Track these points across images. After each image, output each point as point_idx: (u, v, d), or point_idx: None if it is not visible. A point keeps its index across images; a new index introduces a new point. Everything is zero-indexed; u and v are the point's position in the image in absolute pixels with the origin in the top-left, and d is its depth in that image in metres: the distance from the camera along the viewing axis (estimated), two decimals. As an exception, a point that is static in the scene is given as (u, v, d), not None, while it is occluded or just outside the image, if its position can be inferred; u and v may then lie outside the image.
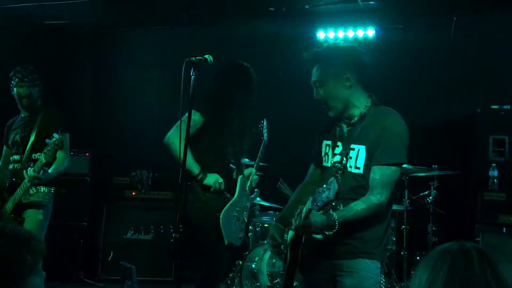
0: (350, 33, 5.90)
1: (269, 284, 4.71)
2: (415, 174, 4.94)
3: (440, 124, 5.62)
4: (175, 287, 2.66)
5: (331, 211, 2.23)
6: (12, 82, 3.73)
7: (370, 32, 5.85)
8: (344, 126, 2.45)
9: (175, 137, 3.33)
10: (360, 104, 2.41)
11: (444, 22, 5.49)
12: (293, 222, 2.27)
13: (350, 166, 2.35)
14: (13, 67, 3.80)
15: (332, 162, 2.41)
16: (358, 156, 2.33)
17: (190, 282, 4.98)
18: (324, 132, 2.55)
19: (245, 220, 3.76)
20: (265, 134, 3.99)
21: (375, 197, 2.27)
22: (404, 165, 4.67)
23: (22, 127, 3.77)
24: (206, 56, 2.65)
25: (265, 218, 5.19)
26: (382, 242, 2.41)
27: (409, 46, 5.73)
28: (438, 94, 5.75)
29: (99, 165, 6.00)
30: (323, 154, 2.53)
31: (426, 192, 4.91)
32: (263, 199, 5.16)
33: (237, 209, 3.69)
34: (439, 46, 5.64)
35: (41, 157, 3.40)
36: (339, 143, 2.43)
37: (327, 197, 2.08)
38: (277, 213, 5.10)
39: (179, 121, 3.27)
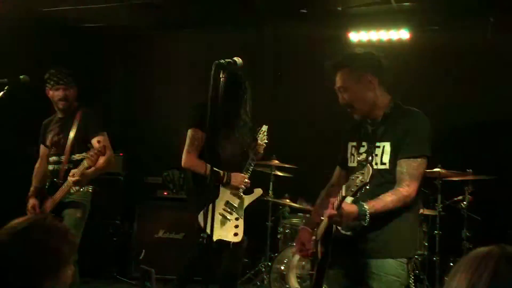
0: (384, 35, 5.83)
1: (298, 286, 4.70)
2: (449, 179, 4.85)
3: (475, 128, 5.48)
4: (204, 286, 2.67)
5: (361, 202, 2.28)
6: (47, 85, 3.80)
7: (404, 34, 5.76)
8: (368, 127, 2.54)
9: (190, 160, 3.65)
10: (383, 105, 2.51)
11: (481, 23, 5.37)
12: (324, 212, 2.34)
13: (376, 163, 2.44)
14: (48, 69, 3.89)
15: (358, 160, 2.49)
16: (383, 153, 2.43)
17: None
18: (349, 134, 2.65)
19: (238, 218, 3.72)
20: (259, 139, 3.95)
21: (403, 189, 2.34)
22: (437, 169, 4.67)
23: (60, 128, 3.84)
24: (235, 58, 2.67)
25: (294, 220, 5.18)
26: (409, 240, 2.48)
27: (444, 48, 5.62)
28: (474, 96, 5.61)
29: (132, 165, 6.11)
30: (348, 155, 2.61)
31: (460, 197, 4.81)
32: (293, 201, 5.16)
33: (223, 207, 3.70)
34: (476, 48, 5.51)
35: (84, 161, 3.48)
36: (364, 143, 2.52)
37: (362, 181, 2.12)
38: (307, 215, 5.09)
39: (186, 146, 3.65)
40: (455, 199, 4.84)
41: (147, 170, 6.05)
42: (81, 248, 3.75)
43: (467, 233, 4.74)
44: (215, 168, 3.43)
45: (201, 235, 2.46)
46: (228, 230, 3.67)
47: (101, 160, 3.55)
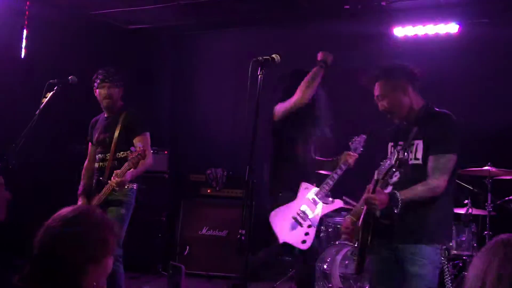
0: (430, 29, 5.66)
1: (341, 285, 4.65)
2: (500, 177, 4.66)
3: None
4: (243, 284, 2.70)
5: (394, 191, 2.58)
6: (95, 83, 3.93)
7: (453, 27, 5.57)
8: (404, 127, 2.84)
9: None
10: (417, 108, 2.82)
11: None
12: (362, 198, 2.65)
13: (411, 159, 2.72)
14: (98, 68, 4.01)
15: (396, 157, 2.67)
16: (416, 150, 2.71)
17: (261, 279, 5.05)
18: (388, 135, 2.97)
19: (311, 226, 3.67)
20: (352, 148, 3.86)
21: (432, 181, 2.61)
22: (487, 167, 4.49)
23: (105, 126, 3.94)
24: (274, 55, 2.66)
25: (337, 219, 5.12)
26: (442, 226, 2.74)
27: (495, 42, 5.39)
28: (526, 92, 5.37)
29: (176, 163, 6.22)
30: (388, 154, 2.82)
31: (512, 197, 4.61)
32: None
33: (298, 212, 3.67)
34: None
35: (126, 164, 3.55)
36: (400, 142, 2.81)
37: (389, 164, 2.46)
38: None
39: None
40: (507, 198, 4.64)
41: (191, 167, 6.14)
42: (127, 244, 3.90)
43: (520, 234, 4.53)
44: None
45: (240, 231, 2.46)
46: (298, 235, 3.62)
47: (144, 160, 3.63)
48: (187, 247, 5.74)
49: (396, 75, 2.82)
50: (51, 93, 3.62)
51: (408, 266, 2.66)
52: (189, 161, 6.42)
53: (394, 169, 2.50)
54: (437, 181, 2.61)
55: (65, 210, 1.64)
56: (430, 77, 5.55)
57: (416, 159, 2.71)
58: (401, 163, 2.61)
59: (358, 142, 3.88)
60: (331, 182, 3.73)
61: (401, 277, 2.72)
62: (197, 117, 6.76)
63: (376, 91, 2.85)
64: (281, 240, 3.56)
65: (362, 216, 2.71)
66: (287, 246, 3.59)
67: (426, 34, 5.71)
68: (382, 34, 5.82)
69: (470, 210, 4.60)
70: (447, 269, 2.84)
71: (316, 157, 3.96)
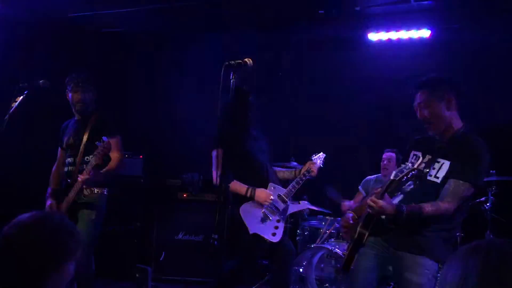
0: (404, 34, 5.76)
1: (317, 288, 4.67)
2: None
3: (498, 128, 5.34)
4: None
5: (401, 204, 2.57)
6: (67, 87, 3.89)
7: (425, 33, 5.69)
8: (436, 143, 2.78)
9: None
10: (456, 127, 2.76)
11: (503, 21, 5.25)
12: (369, 200, 2.59)
13: (430, 175, 2.68)
14: (71, 72, 3.96)
15: (415, 168, 2.68)
16: (440, 169, 2.66)
17: (242, 283, 5.04)
18: (415, 144, 2.90)
19: (280, 221, 3.77)
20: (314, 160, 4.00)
21: (443, 203, 2.57)
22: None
23: (75, 130, 3.91)
24: (246, 59, 2.66)
25: (313, 222, 5.15)
26: (446, 249, 2.69)
27: (466, 47, 5.52)
28: (496, 96, 5.50)
29: (152, 168, 6.16)
30: (409, 162, 2.79)
31: (483, 199, 4.70)
32: (312, 203, 5.12)
33: (267, 207, 3.75)
34: (497, 46, 5.40)
35: (92, 159, 3.54)
36: (427, 156, 2.76)
37: (410, 167, 2.45)
38: (326, 217, 5.05)
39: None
40: (477, 200, 4.73)
41: (167, 172, 6.09)
42: (102, 250, 3.84)
43: (491, 235, 4.62)
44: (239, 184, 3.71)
45: (212, 236, 2.45)
46: (267, 228, 3.72)
47: (112, 162, 3.59)
48: (163, 252, 5.69)
49: (445, 87, 2.75)
50: (21, 97, 3.56)
51: (409, 275, 2.62)
52: (164, 166, 6.37)
53: (413, 172, 2.48)
54: (447, 205, 2.57)
55: (22, 216, 1.60)
56: (402, 80, 5.71)
57: (436, 177, 2.66)
58: (419, 174, 2.62)
59: (319, 157, 4.03)
60: (296, 186, 3.84)
61: (381, 279, 2.75)
62: (173, 121, 6.72)
63: (419, 98, 2.76)
64: (251, 231, 3.63)
65: (364, 214, 2.69)
66: (258, 239, 3.65)
67: (399, 39, 5.81)
68: (357, 39, 5.89)
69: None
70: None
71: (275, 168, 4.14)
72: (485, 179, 4.64)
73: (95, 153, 3.49)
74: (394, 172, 2.54)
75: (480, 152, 2.67)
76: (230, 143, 3.66)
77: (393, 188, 2.64)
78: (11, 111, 3.51)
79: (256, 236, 3.63)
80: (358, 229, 2.70)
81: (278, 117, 6.08)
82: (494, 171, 4.61)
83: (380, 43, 5.90)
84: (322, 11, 5.44)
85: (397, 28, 5.74)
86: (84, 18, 5.82)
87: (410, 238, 2.63)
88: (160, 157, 6.47)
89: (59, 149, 4.07)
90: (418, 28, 5.68)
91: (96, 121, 3.84)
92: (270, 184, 3.84)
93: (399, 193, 2.78)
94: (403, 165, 2.54)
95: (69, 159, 3.88)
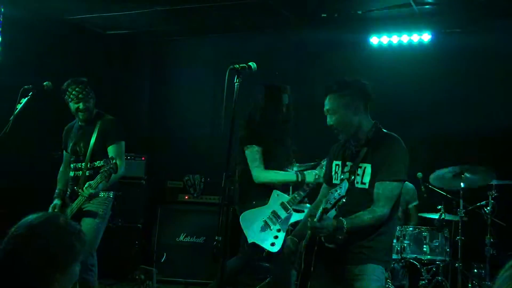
0: (405, 38, 5.79)
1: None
2: (472, 184, 4.76)
3: (499, 131, 5.37)
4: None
5: (340, 218, 2.50)
6: (66, 97, 3.88)
7: (426, 37, 5.72)
8: (353, 148, 2.75)
9: (263, 174, 3.72)
10: (367, 129, 2.73)
11: (504, 25, 5.28)
12: (308, 222, 2.54)
13: (357, 182, 2.66)
14: (75, 73, 3.96)
15: (341, 178, 2.71)
16: (364, 174, 2.65)
17: (238, 285, 5.05)
18: (334, 153, 2.88)
19: (280, 230, 3.72)
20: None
21: (379, 209, 2.57)
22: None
23: (80, 136, 3.91)
24: (250, 63, 2.68)
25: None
26: (388, 251, 2.76)
27: (466, 51, 5.54)
28: (497, 99, 5.53)
29: (154, 169, 6.19)
30: (333, 173, 2.82)
31: (483, 202, 4.71)
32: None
33: (268, 216, 3.73)
34: (498, 50, 5.42)
35: (98, 176, 3.57)
36: (348, 163, 2.74)
37: (339, 194, 2.38)
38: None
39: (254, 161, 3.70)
40: (478, 204, 4.75)
41: (169, 174, 6.12)
42: (104, 251, 3.86)
43: (491, 239, 4.64)
44: (284, 173, 3.76)
45: (215, 238, 2.47)
46: (267, 237, 3.67)
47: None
48: (164, 254, 5.71)
49: (351, 92, 2.70)
50: (26, 98, 3.58)
51: (355, 284, 2.60)
52: (166, 168, 6.39)
53: (344, 200, 2.40)
54: (382, 210, 2.57)
55: (30, 217, 1.62)
56: (403, 84, 5.73)
57: (362, 183, 2.64)
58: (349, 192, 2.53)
59: (322, 167, 3.90)
60: (302, 193, 3.80)
61: None
62: (175, 123, 6.75)
63: (327, 104, 2.73)
64: (249, 240, 3.63)
65: (306, 241, 2.63)
66: (257, 247, 3.64)
67: (400, 43, 5.83)
68: (358, 43, 5.92)
69: (443, 216, 4.69)
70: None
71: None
72: (486, 183, 4.69)
73: (102, 170, 3.53)
74: (325, 200, 2.46)
75: (395, 146, 2.66)
76: (263, 141, 3.68)
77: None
78: (15, 112, 3.53)
79: (255, 245, 3.62)
80: (303, 257, 2.63)
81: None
82: (494, 174, 4.63)
83: (381, 47, 5.93)
84: (325, 15, 5.47)
85: (398, 32, 5.76)
86: (88, 20, 5.85)
87: (354, 251, 2.61)
88: (162, 159, 6.51)
89: (64, 152, 4.07)
90: (419, 32, 5.71)
91: (102, 125, 3.85)
92: (274, 191, 3.80)
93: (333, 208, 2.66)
94: (331, 192, 2.43)
95: (76, 164, 3.89)
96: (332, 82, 2.75)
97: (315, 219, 2.47)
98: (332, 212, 2.50)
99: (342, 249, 2.59)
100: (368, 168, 2.64)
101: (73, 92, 3.82)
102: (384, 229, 2.64)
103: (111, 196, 3.85)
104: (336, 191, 2.39)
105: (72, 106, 3.87)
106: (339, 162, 2.79)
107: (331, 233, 2.49)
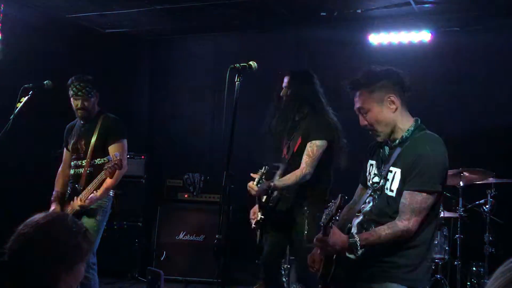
0: (404, 37, 5.80)
1: (317, 288, 4.69)
2: (471, 182, 4.78)
3: (498, 130, 5.38)
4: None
5: (354, 233, 2.27)
6: (69, 92, 3.89)
7: (425, 35, 5.72)
8: (387, 148, 2.43)
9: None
10: (404, 127, 2.37)
11: (504, 24, 5.29)
12: (315, 241, 2.34)
13: (387, 189, 2.34)
14: (75, 73, 3.96)
15: (371, 182, 2.44)
16: (393, 179, 2.31)
17: (238, 284, 5.06)
18: (370, 152, 2.57)
19: None
20: None
21: (401, 223, 2.23)
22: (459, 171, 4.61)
23: (81, 134, 3.92)
24: (251, 62, 2.69)
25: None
26: (420, 268, 2.31)
27: (466, 49, 5.56)
28: (497, 98, 5.53)
29: (154, 168, 6.20)
30: (367, 173, 2.54)
31: (483, 201, 4.73)
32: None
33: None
34: (498, 49, 5.43)
35: (102, 173, 3.57)
36: (382, 164, 2.43)
37: (329, 213, 2.17)
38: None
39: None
40: (477, 202, 4.77)
41: (169, 172, 6.13)
42: (104, 250, 3.87)
43: (490, 237, 4.66)
44: None
45: (216, 236, 2.48)
46: None
47: (116, 173, 3.61)
48: (164, 252, 5.72)
49: (383, 85, 2.32)
50: (26, 97, 3.59)
51: None
52: (166, 166, 6.40)
53: (336, 218, 2.19)
54: (406, 224, 2.21)
55: (37, 216, 1.62)
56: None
57: (391, 190, 2.31)
58: (379, 188, 2.35)
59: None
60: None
61: None
62: (175, 121, 6.76)
63: (357, 102, 2.37)
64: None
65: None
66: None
67: (399, 42, 5.84)
68: (358, 41, 5.92)
69: (442, 214, 4.71)
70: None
71: None
72: (484, 182, 4.70)
73: (106, 167, 3.53)
74: (324, 215, 2.25)
75: (430, 149, 2.27)
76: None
77: (331, 222, 2.30)
78: (16, 111, 3.54)
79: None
80: (322, 266, 2.43)
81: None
82: (494, 173, 4.65)
83: (380, 45, 5.93)
84: (324, 13, 5.48)
85: (398, 30, 5.77)
86: (88, 18, 5.85)
87: (373, 265, 2.31)
88: (162, 157, 6.51)
89: (64, 150, 4.07)
90: (419, 31, 5.71)
91: (104, 123, 3.85)
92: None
93: (360, 213, 2.44)
94: (329, 205, 2.23)
95: (76, 162, 3.88)
96: (360, 74, 2.38)
97: (321, 233, 2.24)
98: (358, 220, 2.30)
99: (362, 263, 2.30)
100: (398, 173, 2.29)
101: (74, 89, 3.82)
102: (414, 243, 2.27)
103: (111, 194, 3.85)
104: (330, 207, 2.18)
105: (73, 102, 3.88)
106: (373, 162, 2.48)
107: (340, 250, 2.25)
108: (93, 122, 3.88)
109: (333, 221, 2.25)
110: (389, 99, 2.32)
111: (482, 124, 5.44)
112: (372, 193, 2.37)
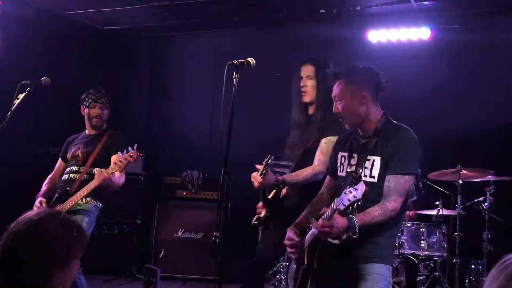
0: (403, 34, 5.78)
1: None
2: (470, 180, 4.78)
3: (497, 128, 5.38)
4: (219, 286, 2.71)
5: (351, 215, 2.36)
6: (85, 102, 3.94)
7: (425, 33, 5.70)
8: (360, 139, 2.64)
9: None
10: (375, 120, 2.60)
11: (503, 22, 5.27)
12: (314, 222, 2.40)
13: (365, 176, 2.53)
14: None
15: (348, 171, 2.60)
16: (373, 167, 2.53)
17: (236, 281, 5.05)
18: (340, 144, 2.76)
19: None
20: None
21: (390, 203, 2.44)
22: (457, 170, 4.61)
23: (86, 142, 3.93)
24: (249, 59, 2.68)
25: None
26: (392, 248, 2.66)
27: (466, 47, 5.54)
28: (496, 96, 5.53)
29: (152, 165, 6.20)
30: (338, 165, 2.70)
31: (481, 198, 4.73)
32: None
33: None
34: (497, 46, 5.42)
35: (113, 166, 3.55)
36: (354, 155, 2.62)
37: (354, 197, 2.23)
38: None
39: None
40: (476, 200, 4.76)
41: (167, 170, 6.12)
42: (101, 247, 3.86)
43: (489, 235, 4.65)
44: None
45: (214, 234, 2.47)
46: None
47: (117, 176, 3.59)
48: (162, 249, 5.72)
49: (360, 80, 2.57)
50: (23, 94, 3.57)
51: (361, 284, 2.47)
52: (164, 163, 6.39)
53: (359, 203, 2.25)
54: (394, 204, 2.43)
55: (30, 213, 1.61)
56: (402, 81, 5.73)
57: (371, 177, 2.51)
58: (355, 177, 2.49)
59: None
60: None
61: None
62: (173, 119, 6.74)
63: (334, 90, 2.62)
64: None
65: (309, 238, 2.52)
66: None
67: (398, 39, 5.82)
68: (357, 38, 5.91)
69: (441, 211, 4.70)
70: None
71: None
72: (483, 179, 4.70)
73: (116, 161, 3.53)
74: (336, 200, 2.29)
75: (407, 137, 2.53)
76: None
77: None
78: (13, 108, 3.52)
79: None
80: (306, 254, 2.51)
81: (276, 117, 6.09)
82: (492, 171, 4.64)
83: (379, 43, 5.91)
84: (323, 10, 5.46)
85: (397, 28, 5.75)
86: (86, 15, 5.83)
87: (359, 247, 2.47)
88: (160, 154, 6.50)
89: (59, 160, 4.06)
90: (418, 28, 5.69)
91: (110, 138, 3.91)
92: None
93: None
94: (345, 192, 2.26)
95: (73, 167, 3.86)
96: (343, 67, 2.63)
97: (326, 217, 2.33)
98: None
99: (347, 246, 2.44)
100: (377, 161, 2.51)
101: (92, 97, 3.91)
102: (392, 223, 2.51)
103: (99, 206, 3.78)
104: (351, 192, 2.23)
105: (88, 111, 3.93)
106: (345, 154, 2.67)
107: (342, 233, 2.36)
108: (100, 135, 3.94)
109: (352, 206, 2.31)
110: (361, 94, 2.56)
111: (481, 122, 5.43)
112: (350, 182, 2.53)
